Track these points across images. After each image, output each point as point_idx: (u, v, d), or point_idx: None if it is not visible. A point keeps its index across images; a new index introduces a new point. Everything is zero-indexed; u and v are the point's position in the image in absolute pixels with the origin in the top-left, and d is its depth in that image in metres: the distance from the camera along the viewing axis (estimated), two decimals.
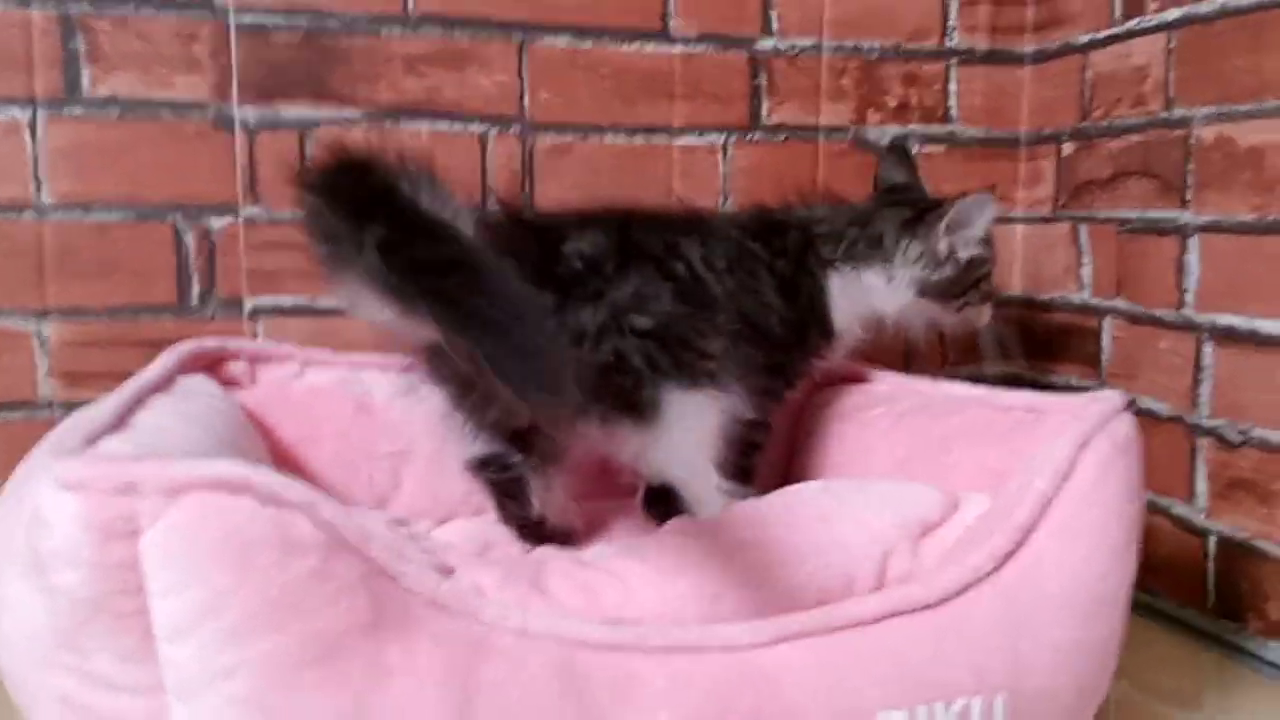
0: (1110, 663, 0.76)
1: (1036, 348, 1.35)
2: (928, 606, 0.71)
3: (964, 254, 1.02)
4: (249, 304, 1.14)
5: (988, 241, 1.04)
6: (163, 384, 0.87)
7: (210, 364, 1.00)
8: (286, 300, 1.15)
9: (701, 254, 0.94)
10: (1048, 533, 0.74)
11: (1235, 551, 1.03)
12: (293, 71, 1.12)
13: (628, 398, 0.87)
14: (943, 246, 1.01)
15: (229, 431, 0.87)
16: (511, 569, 0.77)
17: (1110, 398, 0.81)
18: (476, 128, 1.18)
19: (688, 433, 0.89)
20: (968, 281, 1.03)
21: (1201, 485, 1.08)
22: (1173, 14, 1.09)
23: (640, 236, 0.92)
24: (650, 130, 1.23)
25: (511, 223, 0.92)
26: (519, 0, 1.17)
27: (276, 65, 1.12)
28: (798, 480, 1.04)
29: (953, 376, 1.34)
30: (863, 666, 0.69)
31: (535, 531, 0.91)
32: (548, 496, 0.91)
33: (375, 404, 1.06)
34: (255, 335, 1.14)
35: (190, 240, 1.12)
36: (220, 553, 0.57)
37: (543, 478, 0.91)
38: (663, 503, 0.92)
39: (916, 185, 1.12)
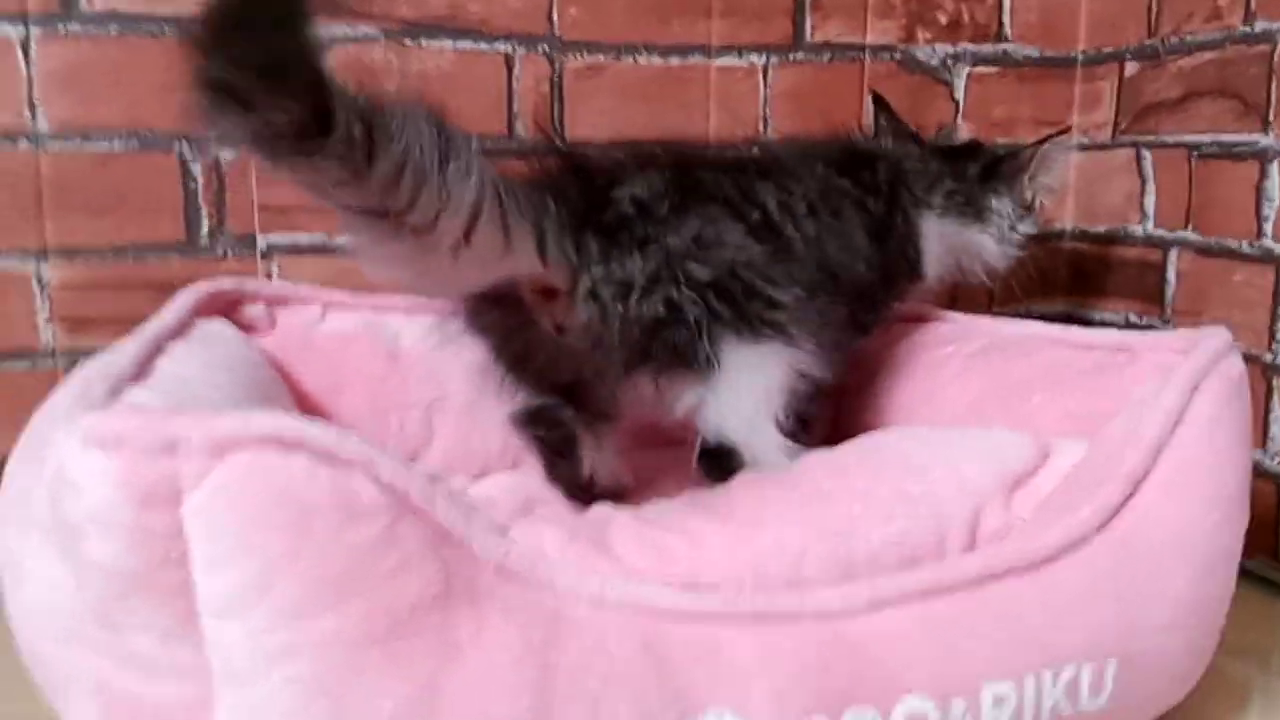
0: (1221, 622, 0.71)
1: (1090, 283, 1.29)
2: (1035, 565, 0.65)
3: (1043, 198, 1.02)
4: (262, 242, 1.06)
5: None
6: (180, 329, 0.80)
7: (226, 307, 0.92)
8: (303, 238, 1.07)
9: (779, 199, 0.87)
10: (1160, 482, 0.67)
11: None
12: None
13: (682, 351, 0.80)
14: (1029, 196, 1.02)
15: (255, 380, 0.81)
16: (573, 528, 0.71)
17: (1219, 334, 0.75)
18: (502, 46, 1.09)
19: (749, 388, 0.83)
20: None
21: (1277, 428, 1.02)
22: None
23: (705, 177, 0.85)
24: (686, 50, 1.14)
25: (557, 163, 0.84)
26: None
27: None
28: (854, 426, 0.98)
29: (999, 315, 1.29)
30: (967, 633, 0.63)
31: (585, 492, 0.85)
32: (599, 455, 0.84)
33: (403, 350, 0.99)
34: (269, 275, 1.07)
35: (199, 172, 1.04)
36: (275, 519, 0.50)
37: (594, 435, 0.84)
38: (718, 460, 0.85)
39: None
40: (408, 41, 1.06)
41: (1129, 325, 1.22)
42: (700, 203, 0.83)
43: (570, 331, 0.80)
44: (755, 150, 0.97)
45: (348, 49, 1.05)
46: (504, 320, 0.82)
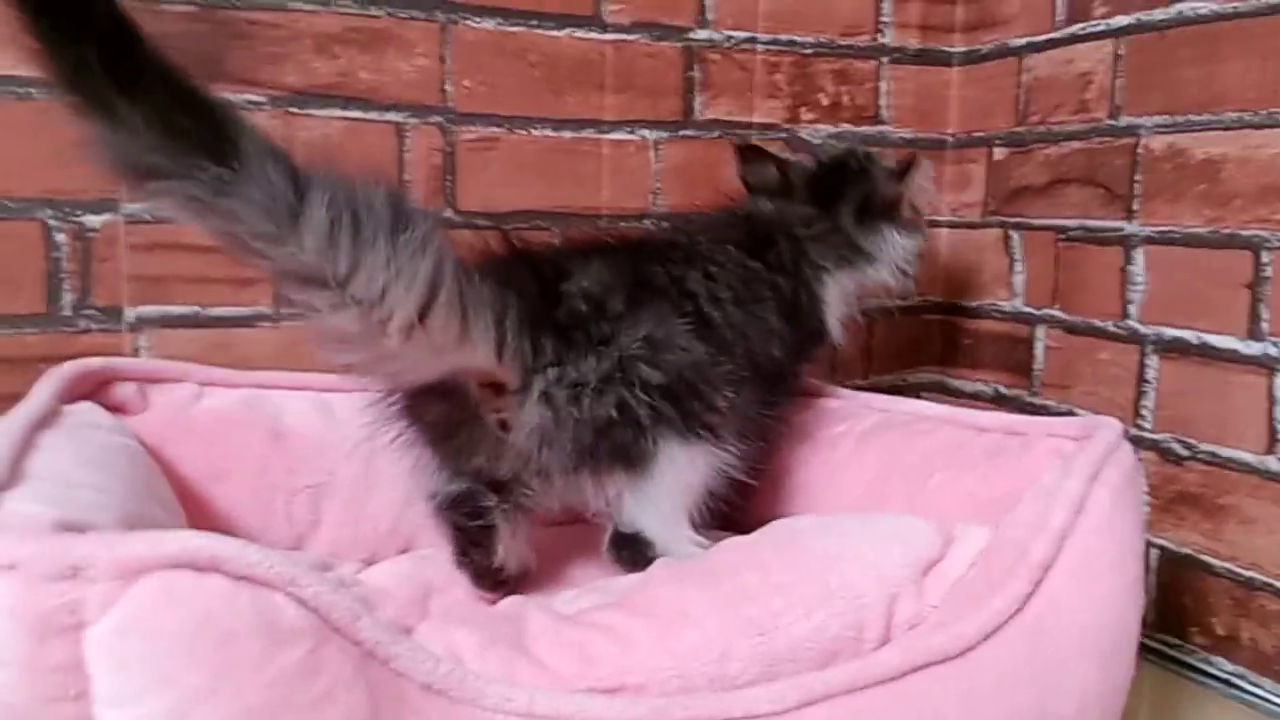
0: (1123, 704, 0.73)
1: (961, 354, 1.33)
2: (953, 656, 0.66)
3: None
4: (130, 314, 0.99)
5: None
6: (49, 418, 0.74)
7: (94, 388, 0.86)
8: (174, 309, 1.01)
9: (707, 288, 0.88)
10: (1066, 571, 0.69)
11: (1179, 566, 1.02)
12: (186, 48, 0.97)
13: (625, 450, 0.81)
14: (908, 215, 1.04)
15: (135, 473, 0.75)
16: (488, 629, 0.68)
17: (1111, 425, 0.78)
18: (394, 116, 1.06)
19: (675, 485, 0.84)
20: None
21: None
22: (1121, 20, 1.08)
23: (646, 268, 0.86)
24: (580, 124, 1.14)
25: (508, 255, 0.84)
26: None
27: (166, 40, 0.97)
28: (755, 505, 0.98)
29: (877, 385, 1.32)
30: None
31: (493, 579, 0.82)
32: (513, 544, 0.82)
33: (287, 429, 0.94)
34: (137, 350, 1.00)
35: (63, 240, 0.97)
36: (191, 647, 0.47)
37: (512, 525, 0.82)
38: (629, 548, 0.85)
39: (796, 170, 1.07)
40: (294, 109, 1.02)
41: (999, 396, 1.27)
42: (649, 298, 0.83)
43: (517, 429, 0.78)
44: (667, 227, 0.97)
45: None
46: (446, 413, 0.80)
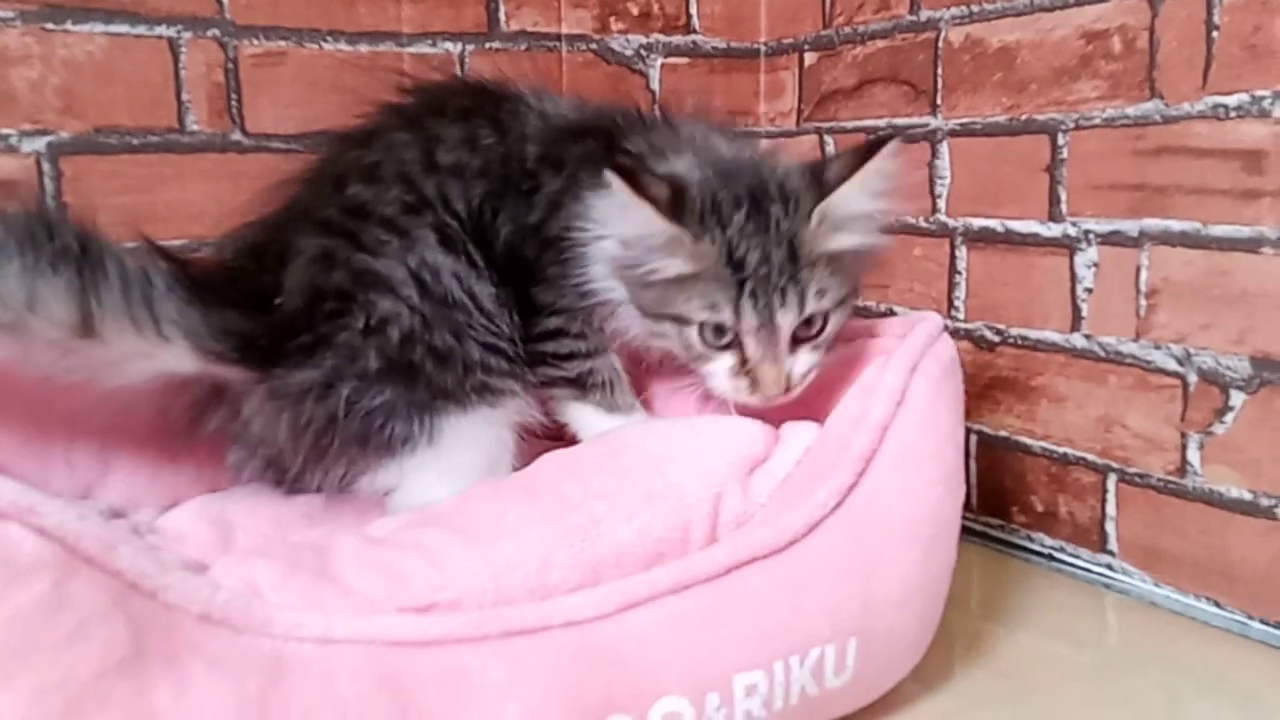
0: (946, 593, 0.73)
1: None
2: (778, 551, 0.64)
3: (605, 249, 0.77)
4: None
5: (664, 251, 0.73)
6: None
7: None
8: None
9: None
10: (887, 462, 0.68)
11: (996, 449, 1.05)
12: None
13: (369, 437, 0.77)
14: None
15: None
16: (291, 559, 0.63)
17: (931, 318, 0.78)
18: (165, 30, 0.98)
19: (463, 465, 0.79)
20: (650, 293, 0.76)
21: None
22: None
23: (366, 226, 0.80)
24: (376, 37, 1.07)
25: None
26: None
27: None
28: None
29: None
30: (717, 626, 0.62)
31: None
32: None
33: None
34: None
35: None
36: None
37: None
38: None
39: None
40: (50, 25, 0.93)
41: None
42: (365, 274, 0.78)
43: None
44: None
45: None
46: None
